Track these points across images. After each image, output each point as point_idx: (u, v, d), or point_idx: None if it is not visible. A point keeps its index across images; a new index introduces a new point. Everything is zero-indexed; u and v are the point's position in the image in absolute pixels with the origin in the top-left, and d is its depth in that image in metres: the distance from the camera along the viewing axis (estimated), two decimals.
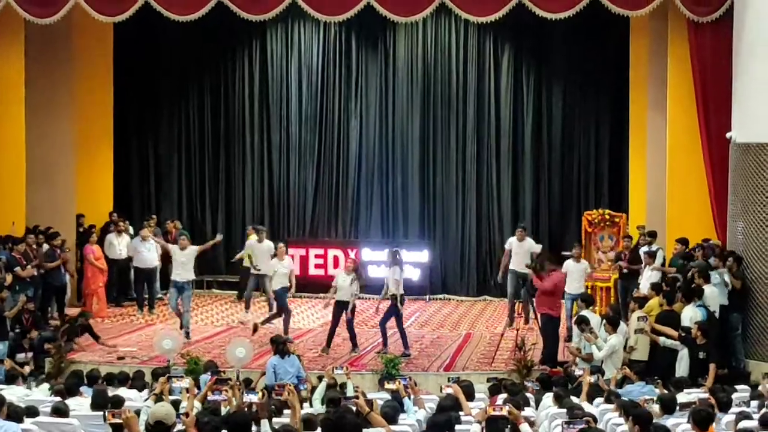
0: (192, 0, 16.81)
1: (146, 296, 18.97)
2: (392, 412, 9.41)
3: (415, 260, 19.88)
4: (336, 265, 19.36)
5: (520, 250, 17.11)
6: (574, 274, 16.45)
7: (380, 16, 17.08)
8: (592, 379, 12.48)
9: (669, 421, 9.33)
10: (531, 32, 19.59)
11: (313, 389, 11.42)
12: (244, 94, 21.33)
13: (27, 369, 14.05)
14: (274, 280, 16.40)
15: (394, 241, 18.81)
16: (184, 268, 16.64)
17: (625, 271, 16.63)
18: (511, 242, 17.49)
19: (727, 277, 14.49)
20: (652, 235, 17.00)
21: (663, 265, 15.94)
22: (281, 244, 16.92)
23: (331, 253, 20.12)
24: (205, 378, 11.72)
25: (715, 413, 9.17)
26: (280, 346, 12.71)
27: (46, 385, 12.64)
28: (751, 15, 14.95)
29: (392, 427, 8.70)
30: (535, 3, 16.28)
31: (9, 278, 15.89)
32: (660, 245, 16.76)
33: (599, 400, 11.10)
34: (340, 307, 15.74)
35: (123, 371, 13.36)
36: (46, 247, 17.53)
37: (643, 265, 16.22)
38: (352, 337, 15.93)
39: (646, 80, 18.69)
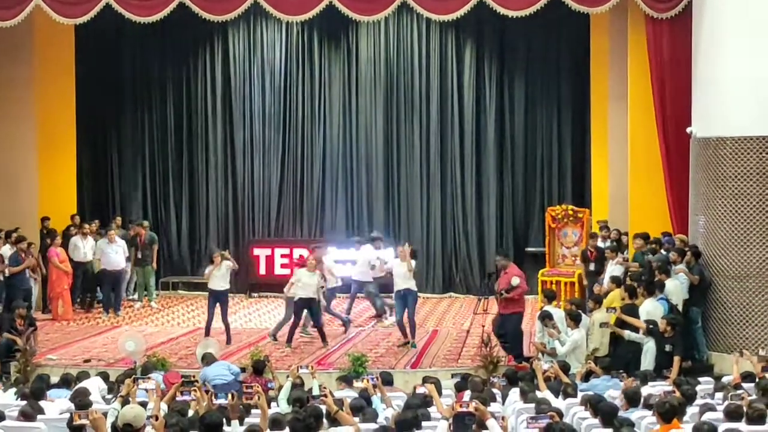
0: (153, 1, 16.77)
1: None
2: (362, 408, 9.47)
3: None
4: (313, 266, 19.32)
5: None
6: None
7: (342, 15, 17.10)
8: (546, 366, 12.59)
9: (633, 414, 9.43)
10: (492, 29, 19.71)
11: (280, 388, 11.45)
12: (207, 93, 21.30)
13: None
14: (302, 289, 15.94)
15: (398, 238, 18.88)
16: None
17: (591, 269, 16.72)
18: None
19: (682, 278, 14.59)
20: (607, 228, 17.32)
21: (626, 259, 16.05)
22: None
23: (297, 252, 20.06)
24: (158, 377, 11.75)
25: (682, 405, 9.25)
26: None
27: (12, 389, 12.60)
28: (710, 11, 15.05)
29: (360, 425, 8.73)
30: (495, 1, 16.34)
31: None
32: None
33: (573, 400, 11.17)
34: (305, 303, 15.79)
35: (84, 372, 13.34)
36: (9, 250, 17.43)
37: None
38: (322, 333, 16.04)
39: (606, 76, 18.82)
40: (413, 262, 15.85)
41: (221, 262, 16.15)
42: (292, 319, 16.10)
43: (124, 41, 20.34)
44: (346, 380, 11.89)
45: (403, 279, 15.82)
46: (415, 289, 16.03)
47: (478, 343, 15.44)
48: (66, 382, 12.25)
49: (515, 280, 15.09)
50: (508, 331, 15.11)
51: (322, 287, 16.11)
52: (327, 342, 15.93)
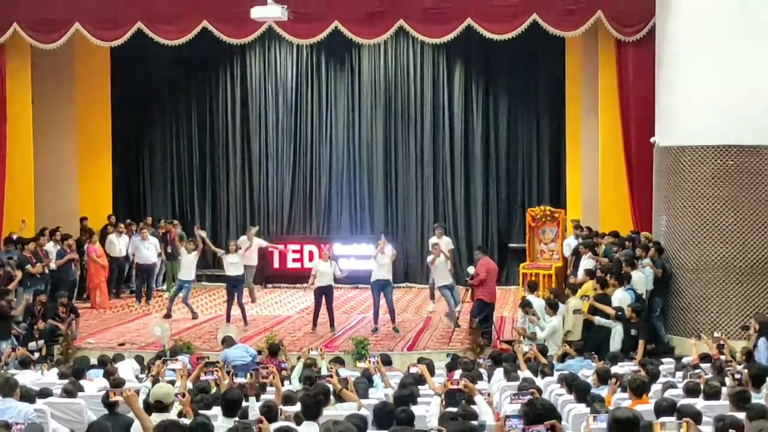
0: (180, 26, 16.80)
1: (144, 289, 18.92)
2: (363, 387, 9.49)
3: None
4: (311, 258, 19.33)
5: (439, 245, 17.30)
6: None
7: (347, 38, 17.16)
8: (526, 348, 12.62)
9: (604, 391, 9.44)
10: (479, 51, 19.70)
11: (292, 368, 11.46)
12: (227, 108, 21.30)
13: (37, 356, 13.99)
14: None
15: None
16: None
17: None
18: (430, 241, 17.60)
19: (647, 271, 14.62)
20: (580, 227, 17.37)
21: (596, 254, 16.07)
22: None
23: (307, 248, 20.11)
24: (185, 359, 11.77)
25: (649, 383, 9.28)
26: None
27: (55, 370, 12.62)
28: (671, 35, 15.09)
29: (362, 401, 8.74)
30: (482, 26, 16.40)
31: (19, 275, 15.83)
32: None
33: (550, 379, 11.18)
34: (322, 291, 15.80)
35: (119, 354, 13.38)
36: (54, 246, 17.48)
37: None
38: (332, 319, 16.02)
39: (580, 92, 18.84)
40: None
41: (234, 251, 16.41)
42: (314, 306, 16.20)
43: (153, 61, 20.30)
44: (338, 361, 11.93)
45: (384, 270, 15.80)
46: (391, 278, 16.04)
47: (466, 328, 15.49)
48: (102, 363, 12.26)
49: (470, 269, 15.16)
50: (476, 313, 15.06)
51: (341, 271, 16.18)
52: (334, 328, 15.93)
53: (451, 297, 16.12)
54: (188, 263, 17.17)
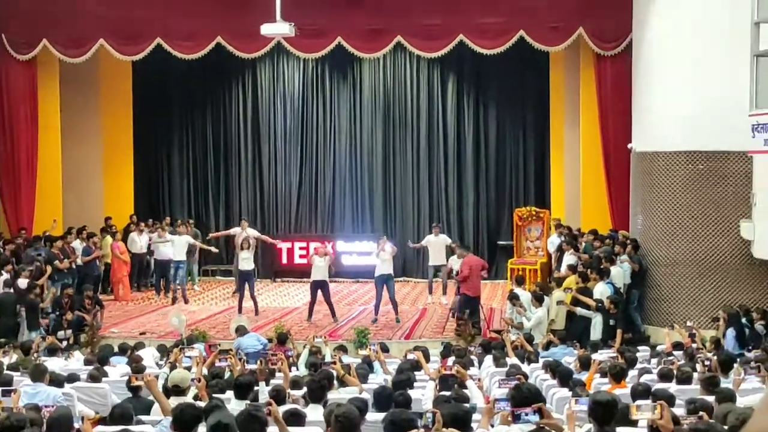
0: (196, 41, 16.82)
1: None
2: (364, 373, 9.49)
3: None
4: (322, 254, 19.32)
5: (435, 245, 17.31)
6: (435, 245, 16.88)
7: (349, 53, 17.19)
8: (513, 337, 12.63)
9: (585, 376, 9.45)
10: (471, 65, 19.68)
11: (299, 356, 11.46)
12: (239, 116, 21.30)
13: (65, 344, 14.00)
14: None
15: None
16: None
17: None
18: (428, 239, 17.58)
19: (625, 266, 14.64)
20: (562, 226, 17.39)
21: (578, 251, 16.08)
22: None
23: (312, 245, 19.97)
24: (200, 347, 11.78)
25: (626, 369, 9.30)
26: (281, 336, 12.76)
27: (81, 356, 12.64)
28: (646, 50, 15.13)
29: (363, 386, 8.75)
30: (473, 42, 16.43)
31: (49, 270, 15.87)
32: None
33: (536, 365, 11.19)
34: (317, 285, 15.80)
35: (140, 342, 13.40)
36: (80, 244, 17.51)
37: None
38: (332, 309, 15.98)
39: (562, 102, 18.86)
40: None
41: (242, 248, 16.47)
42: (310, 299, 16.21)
43: (171, 73, 20.30)
44: (341, 349, 11.94)
45: (386, 265, 15.83)
46: (393, 274, 16.09)
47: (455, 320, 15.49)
48: (123, 350, 12.28)
49: (456, 265, 15.15)
50: (461, 307, 15.04)
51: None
52: (336, 318, 15.93)
53: None
54: (180, 245, 17.59)
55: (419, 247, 18.22)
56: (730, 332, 12.49)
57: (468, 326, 14.53)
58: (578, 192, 18.11)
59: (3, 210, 17.24)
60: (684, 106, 14.32)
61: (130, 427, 6.36)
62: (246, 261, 16.43)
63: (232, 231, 18.36)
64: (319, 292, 15.85)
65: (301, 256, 20.00)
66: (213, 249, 18.73)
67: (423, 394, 8.23)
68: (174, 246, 17.73)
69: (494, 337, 13.85)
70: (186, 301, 17.36)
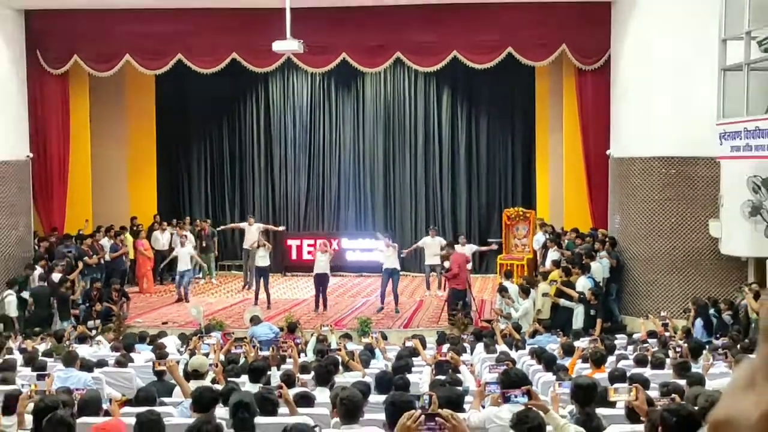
0: (213, 57, 16.83)
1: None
2: (366, 359, 9.51)
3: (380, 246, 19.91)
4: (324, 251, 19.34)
5: (431, 246, 17.30)
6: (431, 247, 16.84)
7: (353, 67, 17.18)
8: (502, 326, 12.65)
9: (568, 362, 9.47)
10: (464, 78, 19.66)
11: (307, 343, 11.48)
12: (252, 125, 21.30)
13: (94, 333, 14.02)
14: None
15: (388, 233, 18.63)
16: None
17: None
18: (425, 240, 17.57)
19: (604, 261, 14.66)
20: (546, 225, 17.39)
21: (561, 248, 16.09)
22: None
23: (319, 242, 20.05)
24: (217, 335, 11.80)
25: (606, 355, 9.32)
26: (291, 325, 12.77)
27: (105, 341, 12.68)
28: (623, 66, 15.17)
29: (366, 370, 8.76)
30: (466, 57, 16.42)
31: (80, 265, 15.90)
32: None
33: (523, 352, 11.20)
34: (319, 277, 15.90)
35: (162, 331, 13.42)
36: (108, 241, 17.53)
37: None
38: (324, 301, 16.05)
39: (547, 112, 18.88)
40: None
41: (259, 247, 16.47)
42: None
43: (191, 85, 20.27)
44: (346, 336, 11.96)
45: (392, 260, 15.88)
46: (399, 268, 16.10)
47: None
48: (142, 338, 12.31)
49: (446, 263, 15.17)
50: (451, 299, 15.07)
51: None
52: (326, 308, 15.97)
53: None
54: (183, 255, 17.39)
55: (412, 251, 18.19)
56: (699, 322, 12.51)
57: (461, 316, 14.55)
58: (561, 194, 18.13)
59: (37, 210, 17.24)
60: (657, 116, 14.36)
61: (154, 408, 6.37)
62: (262, 258, 16.47)
63: (241, 225, 18.50)
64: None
65: (309, 253, 20.00)
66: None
67: (420, 378, 8.24)
68: (179, 257, 17.45)
69: (485, 326, 13.87)
70: (188, 300, 17.20)
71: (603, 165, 15.93)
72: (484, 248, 18.19)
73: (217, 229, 19.52)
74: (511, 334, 12.14)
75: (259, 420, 5.79)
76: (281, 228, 19.48)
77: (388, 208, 20.98)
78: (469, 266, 16.18)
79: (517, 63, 16.43)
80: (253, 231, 17.78)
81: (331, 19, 16.02)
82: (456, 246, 16.87)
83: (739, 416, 0.53)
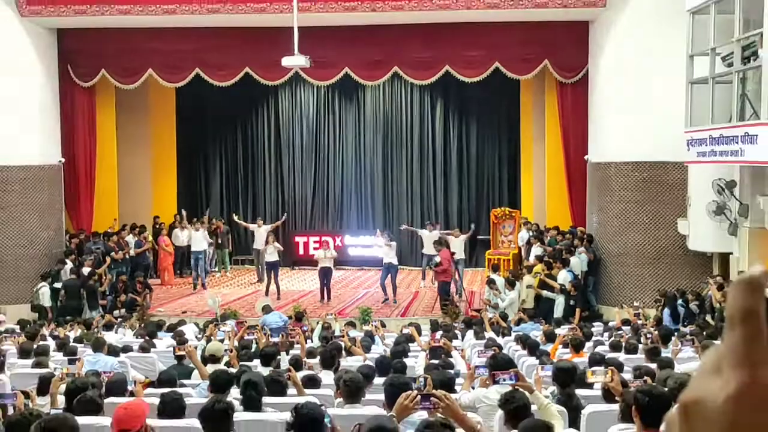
0: (228, 71, 16.83)
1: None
2: (367, 344, 9.51)
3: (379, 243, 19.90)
4: (327, 247, 19.34)
5: (429, 238, 17.31)
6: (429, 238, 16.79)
7: (354, 80, 17.19)
8: (490, 315, 12.66)
9: (550, 347, 9.47)
10: (455, 90, 19.64)
11: (313, 330, 11.47)
12: (263, 132, 21.29)
13: (120, 321, 14.03)
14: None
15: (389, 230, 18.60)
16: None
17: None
18: (424, 232, 17.55)
19: (582, 256, 14.68)
20: (529, 223, 17.39)
21: (544, 244, 16.10)
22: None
23: (324, 239, 20.10)
24: (232, 323, 11.79)
25: (584, 341, 9.33)
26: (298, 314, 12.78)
27: (131, 332, 12.68)
28: (600, 80, 15.19)
29: (366, 355, 8.77)
30: (457, 71, 16.43)
31: (108, 260, 15.90)
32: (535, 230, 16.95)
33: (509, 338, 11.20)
34: (324, 270, 15.98)
35: (182, 320, 13.41)
36: (133, 238, 17.55)
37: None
38: (329, 292, 16.12)
39: (531, 121, 18.88)
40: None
41: (269, 244, 16.49)
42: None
43: (208, 97, 20.25)
44: (350, 324, 11.96)
45: (389, 256, 15.89)
46: (396, 263, 16.10)
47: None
48: (159, 326, 12.31)
49: (437, 259, 15.21)
50: (441, 290, 15.07)
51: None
52: (330, 299, 16.03)
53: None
54: (198, 239, 17.61)
55: (410, 230, 18.39)
56: (666, 311, 12.52)
57: (453, 307, 14.57)
58: (544, 195, 18.14)
59: (67, 210, 17.24)
60: (631, 125, 14.37)
61: (175, 389, 6.38)
62: (271, 254, 16.51)
63: (251, 226, 18.42)
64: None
65: (315, 248, 20.00)
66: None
67: (416, 362, 8.24)
68: (193, 240, 17.73)
69: (474, 315, 13.88)
70: (204, 287, 17.22)
71: (582, 169, 15.94)
72: (468, 234, 17.90)
73: (235, 218, 19.48)
74: (498, 322, 12.15)
75: (269, 400, 5.79)
76: (283, 217, 19.43)
77: (387, 208, 20.97)
78: (462, 252, 16.46)
79: (503, 77, 16.44)
80: (261, 232, 17.73)
81: (335, 37, 16.02)
82: (424, 231, 16.95)
83: (706, 398, 0.53)
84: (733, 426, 0.52)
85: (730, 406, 0.52)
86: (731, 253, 12.83)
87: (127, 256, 16.89)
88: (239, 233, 20.65)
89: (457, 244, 16.45)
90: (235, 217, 19.52)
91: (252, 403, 5.45)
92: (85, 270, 15.11)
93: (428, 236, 17.36)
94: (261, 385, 5.65)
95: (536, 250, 15.65)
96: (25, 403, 5.61)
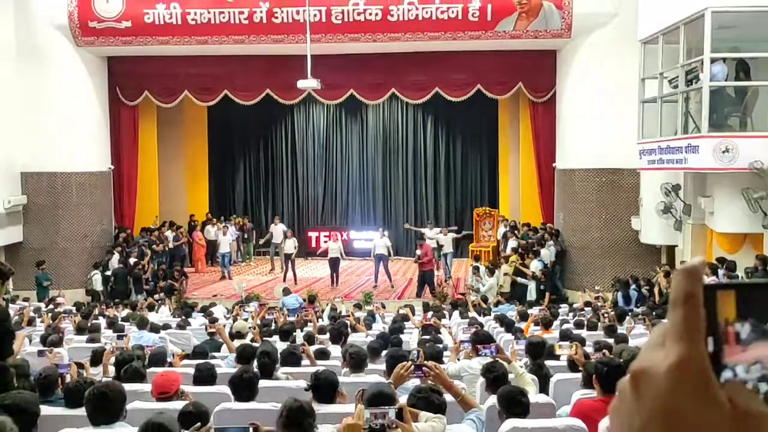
0: (252, 92, 16.83)
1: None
2: (369, 323, 9.51)
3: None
4: (336, 240, 19.35)
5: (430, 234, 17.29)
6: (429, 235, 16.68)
7: (358, 100, 17.18)
8: (473, 298, 12.66)
9: (523, 325, 9.47)
10: (444, 108, 19.54)
11: (323, 311, 11.47)
12: (281, 144, 21.24)
13: (159, 302, 14.04)
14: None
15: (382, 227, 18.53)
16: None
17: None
18: (425, 231, 17.52)
19: (551, 248, 14.67)
20: (507, 221, 17.35)
21: (518, 238, 16.08)
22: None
23: (333, 234, 20.11)
24: (255, 305, 11.79)
25: (552, 320, 9.34)
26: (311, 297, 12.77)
27: (165, 308, 12.70)
28: (566, 99, 15.16)
29: (369, 332, 8.77)
30: (445, 92, 16.42)
31: (149, 252, 15.89)
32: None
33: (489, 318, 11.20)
34: (333, 260, 15.97)
35: (213, 303, 13.40)
36: (171, 233, 17.53)
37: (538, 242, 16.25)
38: (336, 277, 16.17)
39: (508, 134, 18.86)
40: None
41: (286, 239, 16.42)
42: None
43: (234, 113, 20.20)
44: (357, 306, 11.96)
45: (382, 248, 15.86)
46: (386, 253, 16.05)
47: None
48: (191, 307, 12.30)
49: (419, 252, 15.21)
50: (426, 279, 15.03)
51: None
52: (338, 284, 16.04)
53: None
54: (224, 242, 17.46)
55: (413, 229, 18.32)
56: (620, 295, 12.53)
57: (441, 291, 14.58)
58: (518, 196, 18.13)
59: (115, 209, 17.23)
60: (592, 137, 14.37)
61: (208, 360, 6.38)
62: (288, 247, 16.54)
63: (271, 228, 17.99)
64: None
65: (325, 242, 20.03)
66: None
67: (410, 338, 8.25)
68: (221, 243, 17.57)
69: (460, 298, 13.91)
70: (230, 278, 17.20)
71: (550, 175, 15.93)
72: (459, 236, 18.00)
73: (260, 241, 18.85)
74: (480, 304, 12.16)
75: (286, 369, 5.79)
76: (276, 219, 19.17)
77: (386, 207, 20.97)
78: (451, 247, 16.36)
79: (484, 97, 16.43)
80: (278, 230, 17.71)
81: (342, 63, 16.01)
82: (425, 230, 16.92)
83: (652, 367, 0.54)
84: (673, 391, 0.53)
85: (671, 374, 0.53)
86: (676, 246, 12.84)
87: (166, 249, 16.89)
88: (261, 228, 20.63)
89: (446, 240, 16.41)
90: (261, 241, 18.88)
91: (265, 370, 5.45)
92: (131, 260, 15.12)
93: (429, 234, 17.34)
94: (275, 355, 5.65)
95: (512, 243, 15.66)
96: (80, 372, 5.61)
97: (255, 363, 5.57)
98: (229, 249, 17.87)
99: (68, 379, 5.17)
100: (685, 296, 0.54)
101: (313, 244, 20.25)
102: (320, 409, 3.94)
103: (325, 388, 4.22)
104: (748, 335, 0.54)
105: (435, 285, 14.81)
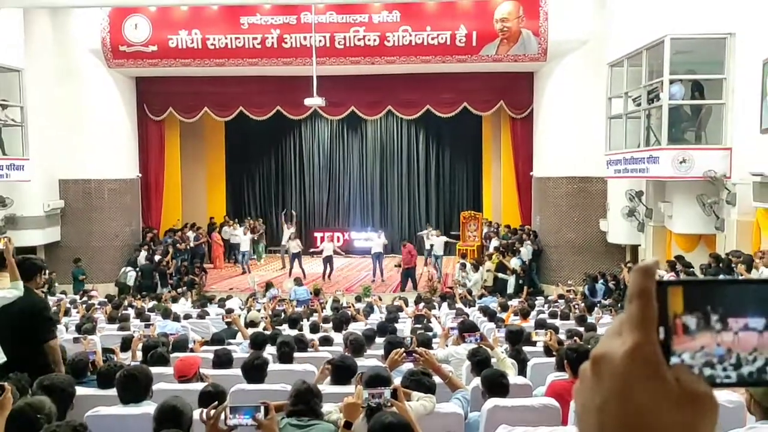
0: (265, 108, 16.83)
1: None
2: (368, 313, 9.50)
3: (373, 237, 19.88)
4: (338, 240, 19.33)
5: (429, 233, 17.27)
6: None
7: (358, 116, 17.19)
8: (460, 291, 12.65)
9: (504, 315, 9.47)
10: (434, 123, 19.57)
11: (327, 303, 11.45)
12: (291, 155, 21.17)
13: (182, 295, 14.00)
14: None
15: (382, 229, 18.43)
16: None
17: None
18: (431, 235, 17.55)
19: (528, 247, 14.66)
20: (490, 223, 17.32)
21: (500, 238, 16.08)
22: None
23: (336, 234, 20.11)
24: (270, 294, 11.76)
25: (529, 311, 9.34)
26: (316, 291, 12.71)
27: (184, 301, 12.65)
28: (542, 115, 15.19)
29: (367, 320, 8.76)
30: (435, 109, 16.45)
31: (173, 250, 15.86)
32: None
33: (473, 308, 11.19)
34: (327, 258, 15.98)
35: (230, 295, 13.37)
36: (192, 233, 17.48)
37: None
38: (330, 271, 16.08)
39: (491, 146, 18.84)
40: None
41: (292, 240, 16.40)
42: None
43: (249, 127, 20.15)
44: (357, 298, 11.94)
45: (379, 246, 15.84)
46: (382, 251, 16.01)
47: (425, 281, 15.48)
48: (209, 299, 12.25)
49: (404, 252, 15.21)
50: (409, 275, 15.01)
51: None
52: (330, 278, 15.97)
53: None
54: (243, 241, 17.43)
55: (423, 236, 17.79)
56: (588, 288, 12.54)
57: (432, 286, 14.56)
58: (500, 201, 18.12)
59: (142, 212, 17.21)
60: (565, 149, 14.39)
61: (225, 347, 6.38)
62: (295, 247, 16.50)
63: (285, 228, 17.85)
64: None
65: (322, 240, 20.02)
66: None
67: (404, 327, 8.25)
68: (241, 242, 17.58)
69: (448, 291, 13.90)
70: (249, 272, 17.19)
71: (528, 182, 15.95)
72: (450, 239, 17.93)
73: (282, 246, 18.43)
74: (466, 296, 12.16)
75: (294, 354, 5.78)
76: (283, 212, 19.10)
77: (383, 211, 20.92)
78: (441, 251, 16.28)
79: (470, 113, 16.46)
80: (286, 231, 17.70)
81: (344, 83, 16.01)
82: (432, 236, 16.91)
83: (610, 353, 0.55)
84: (628, 372, 0.54)
85: (627, 358, 0.54)
86: (639, 245, 12.87)
87: (188, 247, 16.85)
88: (272, 229, 20.59)
89: (438, 242, 16.37)
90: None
91: (285, 357, 5.46)
92: (157, 257, 15.09)
93: (431, 241, 17.31)
94: (292, 344, 5.66)
95: (494, 242, 15.67)
96: (111, 357, 5.60)
97: (276, 351, 5.58)
98: (249, 248, 17.83)
99: (97, 363, 5.16)
100: (640, 291, 0.55)
101: (318, 244, 20.22)
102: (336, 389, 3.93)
103: (343, 370, 4.23)
104: (694, 326, 0.55)
105: (417, 280, 14.78)
